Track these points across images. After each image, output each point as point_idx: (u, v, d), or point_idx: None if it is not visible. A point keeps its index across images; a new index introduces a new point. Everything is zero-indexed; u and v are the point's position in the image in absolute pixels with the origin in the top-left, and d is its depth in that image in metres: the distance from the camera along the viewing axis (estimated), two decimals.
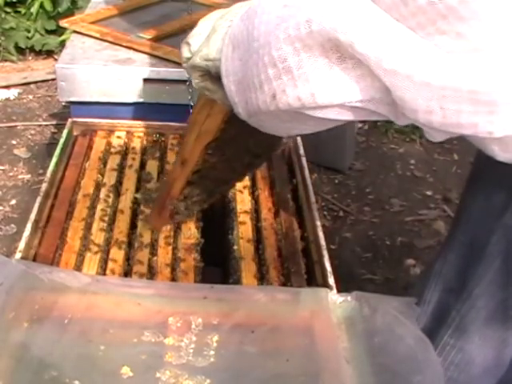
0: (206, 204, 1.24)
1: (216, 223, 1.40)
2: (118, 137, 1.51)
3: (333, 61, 0.65)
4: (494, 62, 0.59)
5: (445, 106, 0.62)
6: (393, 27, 0.61)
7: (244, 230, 1.25)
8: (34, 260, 1.13)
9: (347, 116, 0.71)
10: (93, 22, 1.77)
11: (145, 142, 1.51)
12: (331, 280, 1.10)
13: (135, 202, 1.31)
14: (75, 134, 1.51)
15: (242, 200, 1.33)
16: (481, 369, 1.20)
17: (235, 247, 1.21)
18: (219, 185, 1.22)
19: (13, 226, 2.31)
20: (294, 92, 0.69)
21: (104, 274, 1.12)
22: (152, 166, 1.42)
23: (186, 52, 0.87)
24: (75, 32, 1.73)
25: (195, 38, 0.86)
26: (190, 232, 1.23)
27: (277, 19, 0.69)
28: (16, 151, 2.73)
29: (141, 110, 1.58)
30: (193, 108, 1.07)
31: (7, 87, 3.19)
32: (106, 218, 1.25)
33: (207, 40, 0.84)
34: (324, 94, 0.67)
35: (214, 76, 0.86)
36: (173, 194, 1.16)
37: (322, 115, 0.70)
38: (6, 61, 3.37)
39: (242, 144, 1.11)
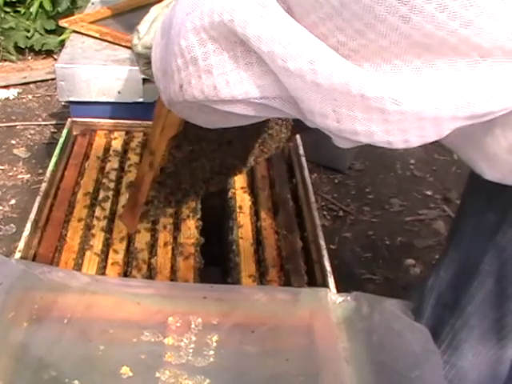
0: (181, 204, 1.21)
1: (216, 223, 1.40)
2: (118, 136, 1.51)
3: (238, 54, 0.62)
4: (386, 67, 0.55)
5: (337, 110, 0.58)
6: (288, 24, 0.58)
7: (244, 229, 1.25)
8: (34, 260, 1.13)
9: (255, 112, 0.67)
10: (92, 22, 1.77)
11: (144, 142, 1.51)
12: (331, 280, 1.10)
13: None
14: (75, 133, 1.51)
15: (242, 200, 1.33)
16: None
17: (235, 247, 1.21)
18: (194, 184, 1.18)
19: (12, 225, 2.31)
20: (199, 84, 0.66)
21: (103, 274, 1.12)
22: None
23: (134, 39, 0.86)
24: (75, 32, 1.73)
25: (143, 25, 0.85)
26: (190, 232, 1.23)
27: (188, 7, 0.66)
28: (15, 151, 2.73)
29: (140, 110, 1.58)
30: (157, 102, 1.02)
31: (7, 87, 3.19)
32: (106, 218, 1.25)
33: (149, 28, 0.83)
34: (226, 87, 0.64)
35: None
36: (143, 192, 1.13)
37: (229, 109, 0.67)
38: (5, 60, 3.37)
39: (216, 139, 1.09)
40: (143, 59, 0.87)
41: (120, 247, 1.19)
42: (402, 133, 0.59)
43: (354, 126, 0.59)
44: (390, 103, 0.56)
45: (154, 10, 0.84)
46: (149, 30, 0.83)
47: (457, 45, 0.53)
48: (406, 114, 0.56)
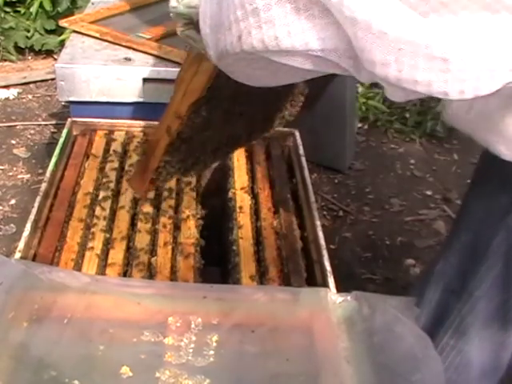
0: (189, 172, 1.23)
1: (216, 223, 1.40)
2: (118, 136, 1.51)
3: (300, 6, 0.65)
4: (449, 19, 0.60)
5: (400, 60, 0.62)
6: None
7: (244, 229, 1.25)
8: (34, 260, 1.13)
9: (311, 65, 0.70)
10: (92, 22, 1.77)
11: (144, 142, 1.51)
12: (331, 280, 1.10)
13: (135, 201, 1.31)
14: (75, 133, 1.51)
15: (242, 200, 1.33)
16: (479, 371, 1.20)
17: (235, 247, 1.21)
18: (204, 152, 1.20)
19: (12, 225, 2.31)
20: (259, 34, 0.68)
21: (103, 274, 1.12)
22: None
23: (173, 1, 0.89)
24: (75, 32, 1.73)
25: None
26: (190, 232, 1.23)
27: None
28: (15, 151, 2.73)
29: (140, 110, 1.58)
30: (181, 66, 1.07)
31: (7, 87, 3.18)
32: (106, 218, 1.25)
33: None
34: (287, 38, 0.67)
35: (196, 24, 0.86)
36: (156, 156, 1.14)
37: (285, 61, 0.70)
38: (5, 60, 3.37)
39: (229, 109, 1.11)
40: (183, 20, 0.89)
41: (120, 247, 1.19)
42: (459, 83, 0.62)
43: (415, 75, 0.62)
44: (453, 53, 0.60)
45: None
46: None
47: None
48: (467, 64, 0.60)
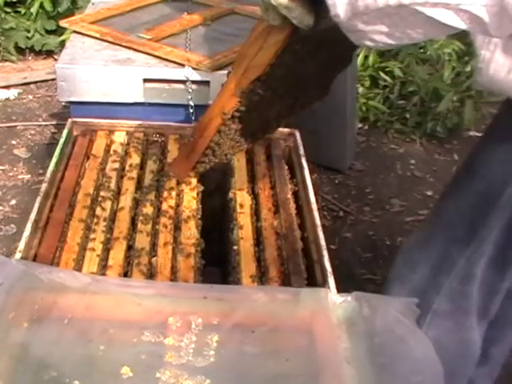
0: (237, 150, 1.24)
1: (216, 223, 1.40)
2: (118, 137, 1.51)
3: None
4: None
5: None
6: None
7: (244, 230, 1.25)
8: (34, 260, 1.13)
9: (453, 21, 0.75)
10: (93, 22, 1.77)
11: (145, 142, 1.51)
12: (331, 280, 1.10)
13: (135, 201, 1.31)
14: (75, 134, 1.51)
15: (242, 200, 1.33)
16: (476, 314, 1.26)
17: (235, 247, 1.21)
18: (256, 128, 1.21)
19: (13, 226, 2.31)
20: None
21: (104, 274, 1.12)
22: (151, 166, 1.42)
23: None
24: (75, 32, 1.74)
25: None
26: (190, 232, 1.23)
27: None
28: (16, 151, 2.73)
29: (141, 110, 1.58)
30: (244, 43, 1.07)
31: (7, 87, 3.19)
32: (106, 218, 1.25)
33: None
34: None
35: None
36: (206, 137, 1.14)
37: (431, 14, 0.75)
38: (5, 61, 3.37)
39: (289, 84, 1.11)
40: None
41: (120, 247, 1.19)
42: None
43: None
44: None
45: None
46: None
47: None
48: None
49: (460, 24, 0.77)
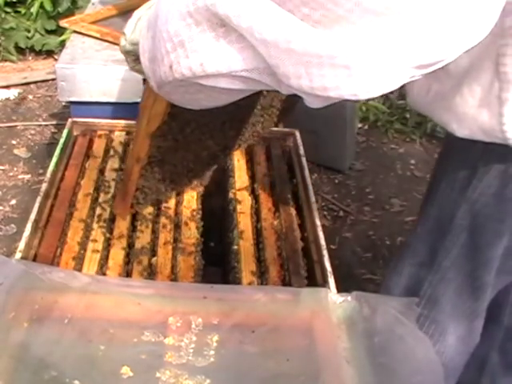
0: (171, 191, 1.26)
1: (216, 223, 1.40)
2: (118, 137, 1.51)
3: (219, 34, 0.71)
4: (349, 29, 0.65)
5: (309, 71, 0.68)
6: (263, 3, 0.67)
7: (244, 229, 1.25)
8: (34, 260, 1.13)
9: (237, 85, 0.76)
10: (93, 22, 1.77)
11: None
12: (331, 280, 1.10)
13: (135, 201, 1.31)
14: (75, 133, 1.51)
15: (242, 200, 1.33)
16: (455, 338, 1.26)
17: (235, 247, 1.21)
18: (179, 173, 1.24)
19: (13, 226, 2.31)
20: (186, 62, 0.75)
21: (104, 274, 1.12)
22: None
23: (122, 41, 0.96)
24: (75, 32, 1.74)
25: (128, 27, 0.95)
26: (190, 232, 1.23)
27: None
28: (16, 151, 2.73)
29: None
30: (142, 94, 1.12)
31: (7, 87, 3.19)
32: (106, 218, 1.25)
33: (134, 27, 0.94)
34: (211, 63, 0.73)
35: None
36: (132, 181, 1.19)
37: (214, 84, 0.76)
38: (5, 61, 3.37)
39: (195, 130, 1.15)
40: (131, 56, 0.97)
41: (120, 247, 1.19)
42: (365, 84, 0.68)
43: (324, 82, 0.68)
44: (354, 60, 0.66)
45: (137, 13, 0.95)
46: (135, 28, 0.94)
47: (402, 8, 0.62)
48: (367, 68, 0.66)
49: (247, 86, 0.78)
